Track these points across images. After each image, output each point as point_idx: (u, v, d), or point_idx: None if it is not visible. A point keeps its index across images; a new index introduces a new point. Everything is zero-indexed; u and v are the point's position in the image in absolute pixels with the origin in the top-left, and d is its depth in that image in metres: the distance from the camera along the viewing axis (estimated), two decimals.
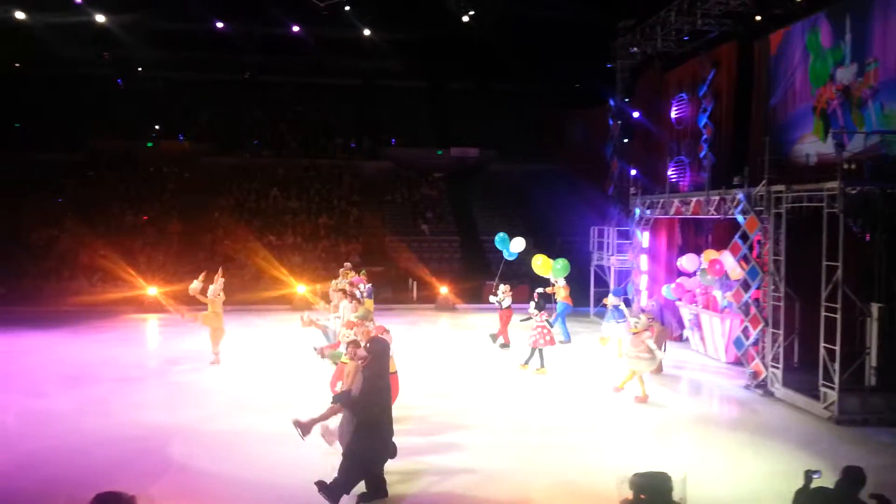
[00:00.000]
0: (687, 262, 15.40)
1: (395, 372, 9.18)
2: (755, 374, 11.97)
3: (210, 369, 12.80)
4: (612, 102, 20.75)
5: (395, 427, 7.22)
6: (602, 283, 19.50)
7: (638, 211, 17.56)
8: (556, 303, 16.18)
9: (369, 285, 16.64)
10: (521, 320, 14.02)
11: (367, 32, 29.92)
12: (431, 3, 28.25)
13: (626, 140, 20.25)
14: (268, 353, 14.73)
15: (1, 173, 27.62)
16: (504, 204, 28.84)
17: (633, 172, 19.02)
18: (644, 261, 17.60)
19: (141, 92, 32.55)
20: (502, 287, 15.31)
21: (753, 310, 11.98)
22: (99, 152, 29.39)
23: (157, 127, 31.33)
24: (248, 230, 25.72)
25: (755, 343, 12.01)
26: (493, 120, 31.90)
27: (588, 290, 20.09)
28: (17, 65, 31.45)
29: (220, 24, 30.53)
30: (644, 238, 17.54)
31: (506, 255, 17.35)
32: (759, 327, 11.85)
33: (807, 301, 11.28)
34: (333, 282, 15.08)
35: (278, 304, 21.22)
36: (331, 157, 31.00)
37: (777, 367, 11.52)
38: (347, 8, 27.89)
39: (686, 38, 17.07)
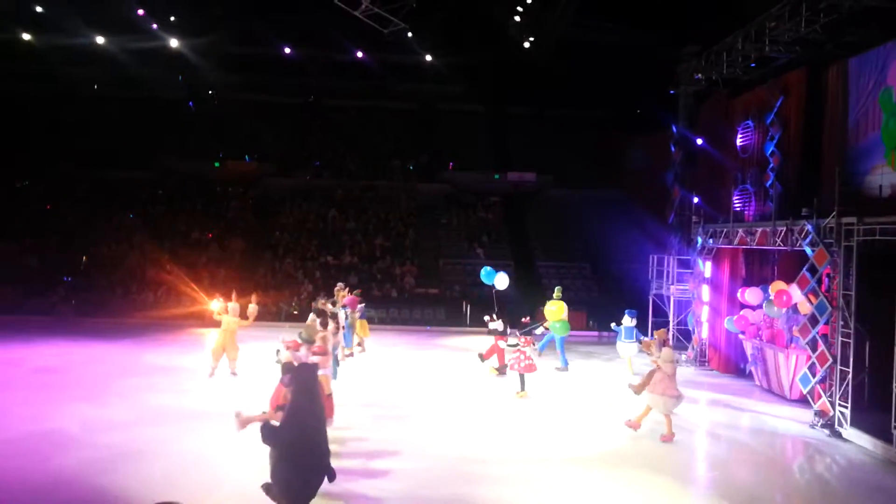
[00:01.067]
0: (751, 294, 14.90)
1: (330, 395, 9.35)
2: (822, 413, 11.43)
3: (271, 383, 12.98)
4: (674, 129, 20.38)
5: (345, 449, 7.03)
6: (661, 313, 19.05)
7: (700, 240, 17.13)
8: (546, 330, 16.21)
9: (362, 305, 16.77)
10: (509, 345, 13.92)
11: (428, 58, 30.41)
12: (492, 29, 28.58)
13: (688, 167, 19.83)
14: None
15: (77, 189, 29.08)
16: (560, 230, 28.60)
17: (696, 200, 18.57)
18: (706, 291, 17.11)
19: (210, 114, 33.83)
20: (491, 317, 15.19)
21: (821, 346, 11.47)
22: (169, 171, 30.56)
23: (223, 148, 32.35)
24: (306, 249, 26.24)
25: (822, 380, 11.48)
26: (551, 145, 31.84)
27: (646, 320, 19.63)
28: (96, 87, 33.15)
29: (287, 50, 31.57)
30: (706, 268, 17.07)
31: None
32: (827, 364, 11.32)
33: (879, 338, 10.73)
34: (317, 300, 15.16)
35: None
36: (389, 179, 31.42)
37: (846, 407, 10.97)
38: (410, 34, 28.43)
39: (753, 65, 16.69)
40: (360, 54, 31.67)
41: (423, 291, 25.19)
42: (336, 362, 12.72)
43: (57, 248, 25.49)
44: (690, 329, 17.82)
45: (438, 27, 29.28)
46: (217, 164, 31.32)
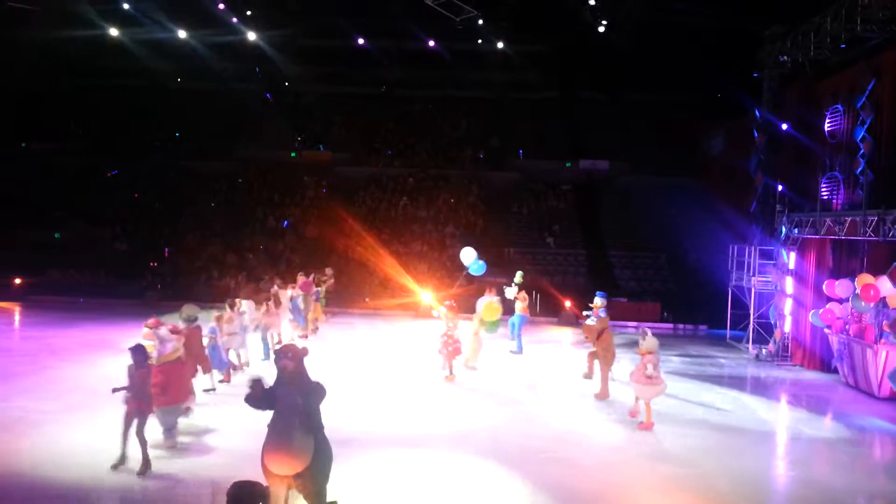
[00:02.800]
0: (840, 287, 14.20)
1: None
2: None
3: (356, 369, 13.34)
4: (757, 113, 19.57)
5: None
6: (741, 305, 18.42)
7: (784, 230, 16.44)
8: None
9: (317, 289, 17.10)
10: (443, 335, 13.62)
11: (499, 45, 30.19)
12: (565, 14, 28.08)
13: (772, 154, 19.00)
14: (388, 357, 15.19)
15: (161, 179, 30.44)
16: (634, 219, 28.00)
17: (780, 188, 17.81)
18: (789, 283, 16.42)
19: (287, 105, 34.69)
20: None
21: None
22: (247, 161, 31.57)
23: (299, 138, 33.14)
24: (377, 237, 26.63)
25: None
26: (625, 132, 31.13)
27: (725, 312, 19.05)
28: (179, 80, 34.50)
29: (361, 41, 31.99)
30: (791, 259, 16.37)
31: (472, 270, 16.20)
32: None
33: None
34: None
35: (404, 311, 21.78)
36: (459, 167, 31.46)
37: None
38: (481, 22, 28.30)
39: (843, 46, 15.79)
40: (431, 43, 31.75)
41: (492, 280, 25.14)
42: (266, 345, 13.86)
43: (145, 234, 26.78)
44: (772, 322, 17.16)
45: (510, 14, 29.00)
46: (293, 154, 32.12)
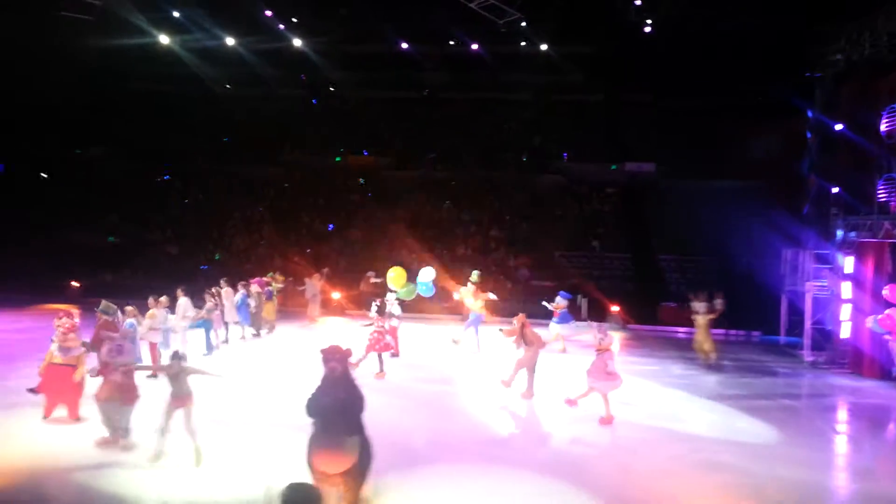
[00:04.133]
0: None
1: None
2: None
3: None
4: (809, 113, 19.09)
5: None
6: (796, 311, 17.95)
7: (840, 233, 15.97)
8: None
9: (269, 288, 17.80)
10: (363, 325, 13.79)
11: (543, 47, 30.08)
12: (610, 15, 27.83)
13: (825, 155, 18.49)
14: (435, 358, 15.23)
15: (210, 184, 31.13)
16: (681, 223, 27.45)
17: (835, 190, 17.32)
18: (847, 288, 15.93)
19: (331, 110, 35.13)
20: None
21: None
22: (294, 166, 32.05)
23: (344, 143, 33.50)
24: (421, 241, 26.74)
25: None
26: (671, 134, 30.59)
27: (778, 317, 18.60)
28: (228, 86, 35.25)
29: (404, 46, 32.23)
30: (847, 263, 15.90)
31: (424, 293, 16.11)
32: None
33: None
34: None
35: (449, 315, 21.82)
36: (503, 170, 31.39)
37: None
38: (524, 24, 28.24)
39: None
40: (474, 46, 31.80)
41: (537, 284, 25.05)
42: (208, 340, 14.44)
43: (195, 238, 27.41)
44: (829, 329, 16.70)
45: (554, 16, 28.87)
46: (338, 159, 32.50)
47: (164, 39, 31.05)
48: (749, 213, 24.01)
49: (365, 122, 34.35)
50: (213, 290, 15.70)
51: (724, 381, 14.19)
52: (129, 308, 11.91)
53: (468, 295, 16.73)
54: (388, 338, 13.39)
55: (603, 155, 31.53)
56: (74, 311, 10.48)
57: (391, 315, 14.27)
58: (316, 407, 6.07)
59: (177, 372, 8.14)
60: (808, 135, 19.01)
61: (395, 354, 14.58)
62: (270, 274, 19.14)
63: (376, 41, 32.00)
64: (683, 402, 12.31)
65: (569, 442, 9.70)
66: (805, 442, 10.19)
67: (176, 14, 29.77)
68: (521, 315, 12.17)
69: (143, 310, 12.61)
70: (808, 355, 16.87)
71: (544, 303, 16.91)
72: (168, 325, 13.37)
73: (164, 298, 13.29)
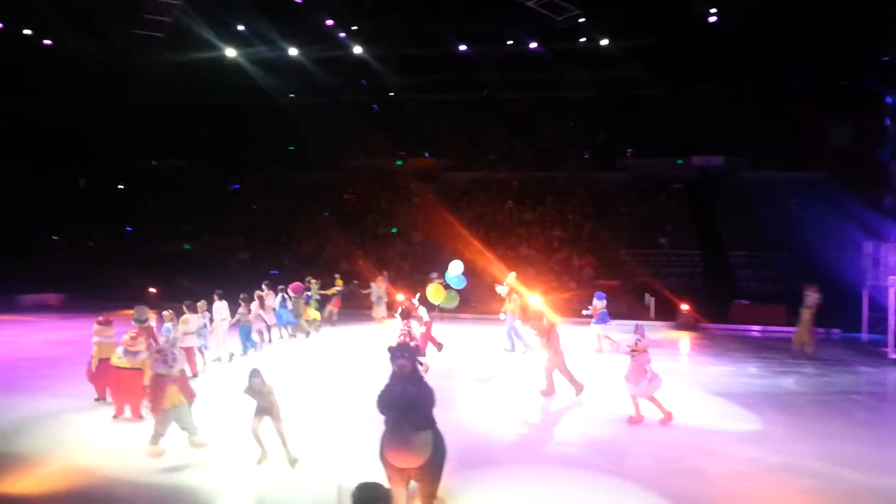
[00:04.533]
0: None
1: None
2: None
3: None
4: (888, 100, 18.19)
5: None
6: (878, 307, 17.12)
7: None
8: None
9: (308, 293, 18.57)
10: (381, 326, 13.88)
11: (603, 42, 29.63)
12: (672, 6, 27.19)
13: None
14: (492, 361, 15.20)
15: (277, 189, 31.99)
16: (753, 217, 26.62)
17: None
18: None
19: (392, 114, 35.56)
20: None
21: None
22: (356, 171, 32.58)
23: (405, 146, 33.85)
24: (484, 242, 26.73)
25: None
26: (741, 125, 29.64)
27: (860, 314, 17.77)
28: (291, 95, 36.15)
29: (462, 48, 32.33)
30: None
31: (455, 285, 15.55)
32: None
33: None
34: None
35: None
36: (565, 169, 31.06)
37: None
38: (582, 20, 27.89)
39: None
40: (532, 45, 31.61)
41: (603, 283, 24.66)
42: (248, 343, 14.89)
43: (264, 244, 28.20)
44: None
45: (612, 10, 28.41)
46: (399, 162, 32.84)
47: (230, 53, 32.14)
48: (826, 206, 23.02)
49: (425, 126, 34.63)
50: (256, 293, 16.24)
51: (803, 381, 13.63)
52: (165, 313, 12.37)
53: (504, 293, 16.65)
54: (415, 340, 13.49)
55: (668, 150, 30.79)
56: (111, 318, 11.17)
57: (419, 318, 14.39)
58: (387, 403, 6.14)
59: (258, 389, 8.31)
60: (887, 122, 18.10)
61: (439, 346, 15.03)
62: (308, 280, 19.70)
63: (434, 44, 32.21)
64: (760, 402, 11.89)
65: (641, 445, 9.50)
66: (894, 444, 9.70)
67: (241, 28, 30.79)
68: (549, 320, 11.96)
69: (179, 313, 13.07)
70: (892, 352, 16.07)
71: (583, 312, 16.71)
72: (206, 329, 13.73)
73: (202, 303, 13.67)
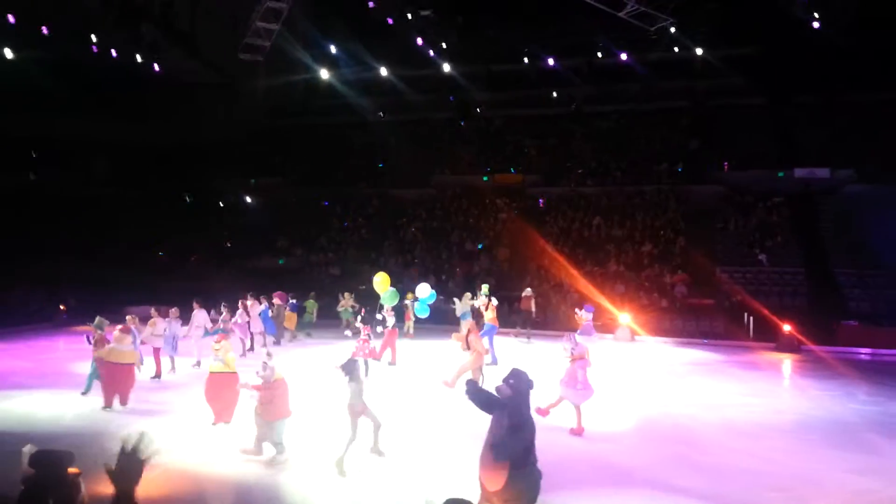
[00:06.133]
0: None
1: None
2: None
3: None
4: None
5: None
6: None
7: None
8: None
9: (293, 301, 20.02)
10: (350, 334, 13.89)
11: (698, 52, 28.69)
12: (773, 13, 26.04)
13: None
14: None
15: (367, 207, 32.65)
16: (862, 232, 24.78)
17: None
18: None
19: (479, 130, 35.70)
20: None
21: None
22: (443, 187, 32.83)
23: (491, 162, 33.84)
24: (571, 258, 26.24)
25: None
26: (848, 136, 27.84)
27: None
28: (381, 114, 37.00)
29: (550, 62, 32.15)
30: None
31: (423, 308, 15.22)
32: None
33: None
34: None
35: (600, 333, 21.21)
36: (656, 183, 30.09)
37: None
38: (673, 30, 27.13)
39: None
40: (623, 56, 31.00)
41: (696, 301, 23.68)
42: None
43: (354, 260, 28.78)
44: None
45: (709, 18, 27.52)
46: (485, 178, 32.85)
47: (324, 74, 33.32)
48: None
49: (511, 141, 34.53)
50: (241, 302, 17.44)
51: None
52: (128, 317, 13.13)
53: (478, 305, 16.89)
54: (373, 345, 14.17)
55: (769, 162, 29.23)
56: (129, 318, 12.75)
57: (381, 323, 15.34)
58: (491, 425, 6.13)
59: (360, 378, 8.67)
60: None
61: (391, 363, 15.55)
62: (341, 295, 21.11)
63: (522, 60, 32.19)
64: (872, 430, 10.99)
65: (739, 472, 8.92)
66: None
67: (334, 49, 31.89)
68: (469, 321, 13.09)
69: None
70: None
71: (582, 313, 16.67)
72: (174, 333, 14.45)
73: (174, 309, 14.75)
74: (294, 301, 19.92)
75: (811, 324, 20.07)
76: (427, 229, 30.51)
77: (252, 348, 17.43)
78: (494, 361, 15.51)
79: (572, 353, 10.51)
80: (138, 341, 12.66)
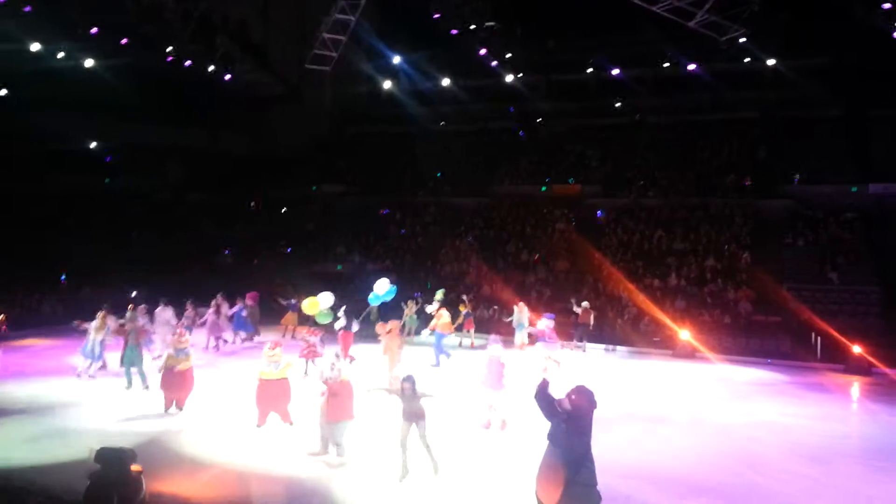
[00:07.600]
0: None
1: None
2: None
3: None
4: None
5: None
6: None
7: None
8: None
9: (293, 301, 20.29)
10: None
11: (770, 62, 27.83)
12: (850, 22, 25.05)
13: None
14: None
15: (424, 215, 32.90)
16: None
17: None
18: None
19: (538, 141, 35.54)
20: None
21: None
22: (502, 197, 32.79)
23: (550, 172, 33.61)
24: (630, 271, 25.78)
25: None
26: None
27: None
28: (442, 123, 37.30)
29: (615, 72, 31.76)
30: None
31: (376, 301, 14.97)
32: None
33: None
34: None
35: (659, 350, 20.78)
36: (722, 196, 29.24)
37: None
38: (744, 40, 26.38)
39: None
40: (691, 67, 30.34)
41: (762, 319, 22.87)
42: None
43: (410, 267, 29.02)
44: None
45: (781, 28, 26.65)
46: (543, 189, 32.64)
47: (387, 84, 33.85)
48: None
49: (572, 151, 34.22)
50: (212, 302, 18.68)
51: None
52: (100, 313, 14.26)
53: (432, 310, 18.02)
54: (318, 348, 15.04)
55: (842, 176, 28.06)
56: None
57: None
58: (550, 433, 6.20)
59: (410, 395, 8.55)
60: None
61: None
62: (404, 303, 21.14)
63: (585, 70, 31.90)
64: None
65: (810, 498, 8.59)
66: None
67: (397, 60, 32.36)
68: (393, 321, 14.09)
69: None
70: None
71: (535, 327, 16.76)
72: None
73: (142, 306, 16.10)
74: (294, 301, 20.45)
75: (884, 345, 19.11)
76: (483, 238, 30.50)
77: (217, 347, 18.52)
78: (437, 364, 16.66)
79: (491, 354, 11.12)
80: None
